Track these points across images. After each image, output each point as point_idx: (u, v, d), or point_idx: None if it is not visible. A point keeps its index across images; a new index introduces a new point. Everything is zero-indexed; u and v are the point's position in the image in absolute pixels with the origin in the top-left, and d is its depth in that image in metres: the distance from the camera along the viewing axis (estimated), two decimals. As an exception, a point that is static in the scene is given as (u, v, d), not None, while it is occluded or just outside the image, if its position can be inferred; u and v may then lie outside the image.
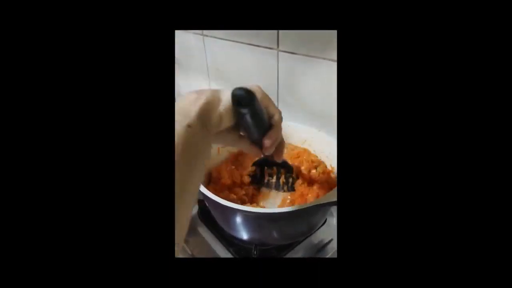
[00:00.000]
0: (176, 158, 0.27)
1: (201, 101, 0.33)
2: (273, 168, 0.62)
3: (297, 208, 0.49)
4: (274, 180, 0.62)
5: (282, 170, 0.62)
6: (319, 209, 0.53)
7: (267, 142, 0.40)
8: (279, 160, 0.46)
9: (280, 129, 0.41)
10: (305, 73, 0.71)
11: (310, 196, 0.58)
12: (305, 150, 0.69)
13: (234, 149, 0.73)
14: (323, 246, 0.64)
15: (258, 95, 0.37)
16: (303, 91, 0.76)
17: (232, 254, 0.60)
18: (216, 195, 0.51)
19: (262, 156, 0.43)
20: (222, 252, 0.60)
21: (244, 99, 0.35)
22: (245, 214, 0.49)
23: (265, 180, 0.63)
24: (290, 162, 0.66)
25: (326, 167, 0.67)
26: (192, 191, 0.31)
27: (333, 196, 0.50)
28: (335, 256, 0.64)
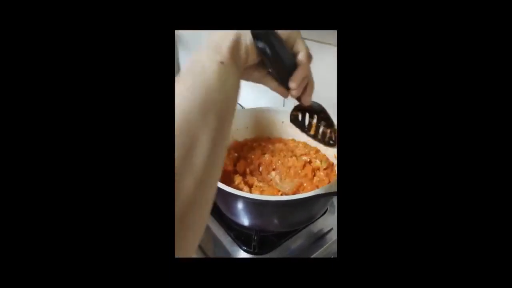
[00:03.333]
0: (213, 97, 0.28)
1: (231, 36, 0.32)
2: (314, 116, 0.57)
3: (297, 197, 0.49)
4: (313, 128, 0.57)
5: (322, 122, 0.56)
6: (320, 199, 0.53)
7: (292, 83, 0.38)
8: (306, 103, 0.43)
9: (307, 69, 0.38)
10: (315, 59, 0.70)
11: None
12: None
13: (239, 138, 0.73)
14: (322, 235, 0.64)
15: (283, 31, 0.35)
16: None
17: (232, 238, 0.60)
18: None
19: (287, 97, 0.41)
20: (223, 236, 0.61)
21: (260, 33, 0.34)
22: (246, 200, 0.50)
23: (306, 125, 0.56)
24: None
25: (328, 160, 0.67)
26: (226, 135, 0.31)
27: (334, 187, 0.50)
28: (334, 245, 0.64)
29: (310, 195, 0.49)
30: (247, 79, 0.38)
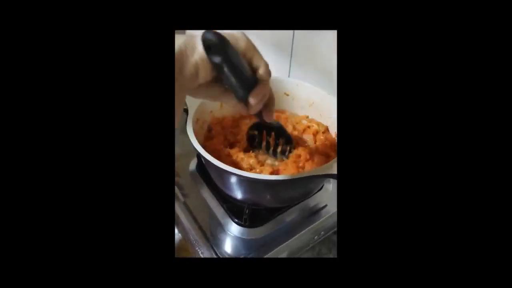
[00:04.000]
0: None
1: (175, 48, 0.29)
2: (271, 134, 0.58)
3: (292, 177, 0.48)
4: (271, 147, 0.60)
5: (280, 140, 0.58)
6: (315, 178, 0.52)
7: (252, 100, 0.35)
8: (268, 121, 0.42)
9: (267, 85, 0.36)
10: (324, 32, 0.66)
11: (308, 166, 0.56)
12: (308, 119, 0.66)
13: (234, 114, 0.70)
14: (317, 211, 0.64)
15: (240, 43, 0.32)
16: (319, 51, 0.71)
17: (225, 210, 0.61)
18: (211, 152, 0.50)
19: (248, 114, 0.39)
20: (216, 207, 0.61)
21: (214, 45, 0.29)
22: (239, 177, 0.49)
23: (263, 144, 0.60)
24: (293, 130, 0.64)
25: (329, 132, 0.65)
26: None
27: (330, 168, 0.48)
28: (327, 221, 0.64)
29: (304, 175, 0.49)
30: (203, 97, 0.36)
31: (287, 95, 0.69)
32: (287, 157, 0.59)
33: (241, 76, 0.33)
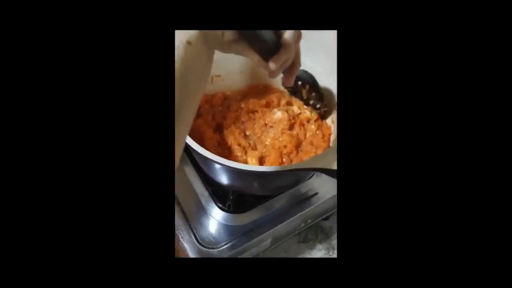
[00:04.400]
0: (176, 75, 0.27)
1: None
2: (306, 87, 0.59)
3: (279, 169, 0.45)
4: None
5: (313, 94, 0.59)
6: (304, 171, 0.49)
7: (271, 64, 0.34)
8: (286, 85, 0.41)
9: (290, 50, 0.35)
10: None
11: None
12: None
13: (231, 83, 0.65)
14: (307, 198, 0.61)
15: None
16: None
17: (209, 194, 0.58)
18: (195, 133, 0.47)
19: (269, 77, 0.38)
20: (200, 190, 0.59)
21: None
22: (223, 167, 0.46)
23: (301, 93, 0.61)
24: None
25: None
26: (191, 109, 0.31)
27: (319, 161, 0.45)
28: (317, 208, 0.62)
29: (291, 168, 0.45)
30: (227, 52, 0.34)
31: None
32: (317, 111, 0.60)
33: (262, 41, 0.32)
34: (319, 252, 0.71)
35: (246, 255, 0.56)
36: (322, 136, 0.60)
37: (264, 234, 0.56)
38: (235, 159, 0.53)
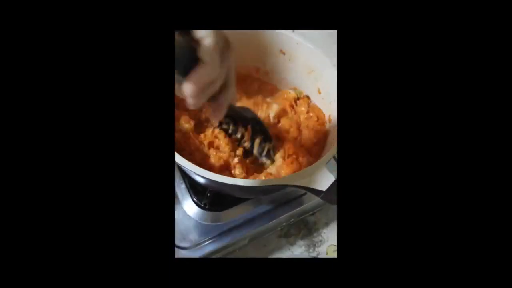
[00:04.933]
0: None
1: None
2: (247, 128, 0.44)
3: (262, 184, 0.39)
4: (248, 144, 0.47)
5: (259, 136, 0.46)
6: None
7: (186, 87, 0.25)
8: (213, 119, 0.32)
9: (213, 66, 0.24)
10: None
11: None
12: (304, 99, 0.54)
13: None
14: (295, 198, 0.56)
15: None
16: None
17: (185, 185, 0.52)
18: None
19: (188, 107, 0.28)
20: (177, 180, 0.53)
21: None
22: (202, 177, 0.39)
23: (239, 137, 0.47)
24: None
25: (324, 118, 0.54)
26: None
27: (305, 177, 0.38)
28: (308, 205, 0.57)
29: (278, 183, 0.39)
30: None
31: (283, 53, 0.56)
32: (271, 159, 0.48)
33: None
34: (299, 248, 0.67)
35: (222, 253, 0.52)
36: (316, 119, 0.54)
37: (242, 235, 0.51)
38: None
